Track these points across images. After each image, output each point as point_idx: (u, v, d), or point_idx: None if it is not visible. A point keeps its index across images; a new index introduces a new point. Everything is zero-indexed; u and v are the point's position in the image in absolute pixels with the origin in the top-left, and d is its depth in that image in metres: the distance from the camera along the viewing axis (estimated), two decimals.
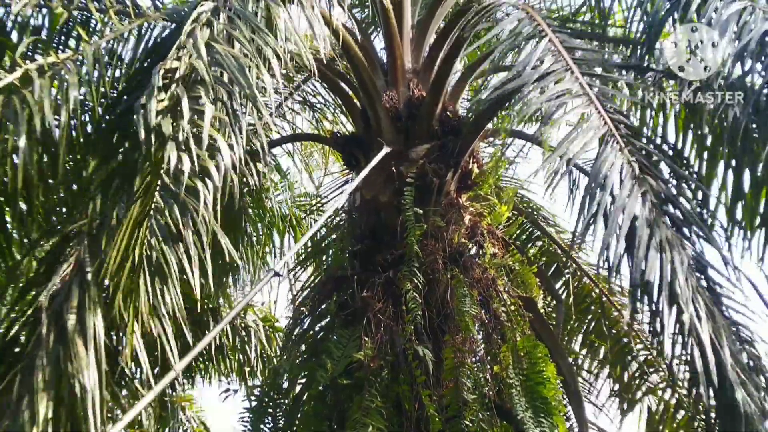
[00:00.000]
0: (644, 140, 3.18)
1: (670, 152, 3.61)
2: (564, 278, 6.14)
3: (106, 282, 2.75)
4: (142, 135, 2.39)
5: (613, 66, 4.11)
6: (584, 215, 2.87)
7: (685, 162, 3.64)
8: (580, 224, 2.88)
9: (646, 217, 2.73)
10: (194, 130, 2.58)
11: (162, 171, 2.54)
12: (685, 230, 2.88)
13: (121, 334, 3.25)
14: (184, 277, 2.96)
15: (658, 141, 3.95)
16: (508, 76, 3.41)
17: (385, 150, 4.37)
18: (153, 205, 2.72)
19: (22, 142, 2.83)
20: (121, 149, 2.89)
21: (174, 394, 6.70)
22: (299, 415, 4.37)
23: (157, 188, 2.69)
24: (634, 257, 2.68)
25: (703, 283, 2.88)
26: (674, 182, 3.12)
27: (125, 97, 3.17)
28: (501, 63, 3.82)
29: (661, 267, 2.61)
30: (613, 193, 2.83)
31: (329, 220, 6.38)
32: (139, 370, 5.14)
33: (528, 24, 3.68)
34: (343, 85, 5.33)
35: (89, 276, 2.81)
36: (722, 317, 2.84)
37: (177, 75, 2.63)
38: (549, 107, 3.11)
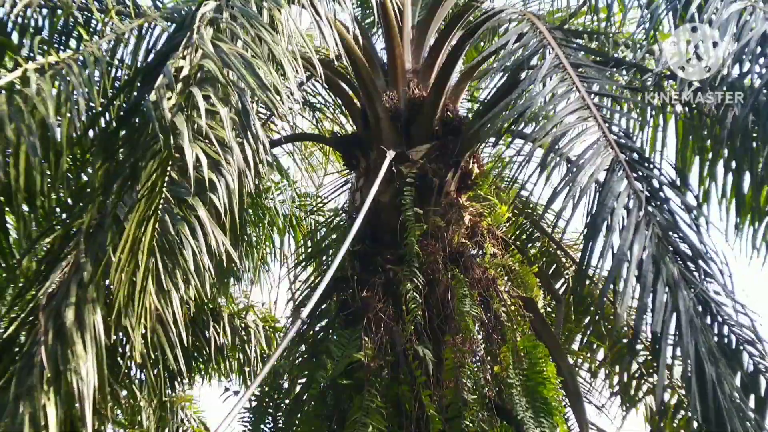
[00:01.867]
0: (647, 163, 3.18)
1: (672, 172, 3.62)
2: (564, 278, 6.14)
3: (107, 281, 2.75)
4: (159, 134, 2.38)
5: (615, 72, 4.12)
6: (590, 247, 2.90)
7: (686, 183, 3.64)
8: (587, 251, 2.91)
9: (652, 254, 2.75)
10: (204, 129, 2.57)
11: (169, 169, 2.54)
12: (690, 264, 2.90)
13: (121, 334, 3.25)
14: (185, 276, 2.96)
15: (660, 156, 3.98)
16: (514, 96, 3.43)
17: (390, 155, 4.36)
18: (159, 203, 2.72)
19: (24, 141, 2.84)
20: (125, 147, 2.89)
21: (174, 394, 6.69)
22: (299, 416, 4.36)
23: (165, 186, 2.69)
24: (640, 300, 2.70)
25: (706, 311, 2.90)
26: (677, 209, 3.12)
27: (127, 96, 3.17)
28: (504, 65, 3.83)
29: (665, 311, 2.64)
30: (620, 224, 2.85)
31: (330, 220, 6.38)
32: (138, 370, 5.15)
33: (533, 37, 3.68)
34: (343, 85, 5.33)
35: (88, 274, 2.81)
36: (725, 356, 2.86)
37: (183, 74, 2.63)
38: (556, 133, 3.14)
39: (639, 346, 5.69)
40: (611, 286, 2.87)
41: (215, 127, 2.63)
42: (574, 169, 3.03)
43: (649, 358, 5.62)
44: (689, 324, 2.63)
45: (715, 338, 2.89)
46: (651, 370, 5.63)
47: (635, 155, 3.16)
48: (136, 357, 2.85)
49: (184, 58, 2.65)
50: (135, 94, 3.12)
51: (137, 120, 2.83)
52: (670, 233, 2.91)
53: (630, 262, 2.73)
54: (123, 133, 2.93)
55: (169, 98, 2.48)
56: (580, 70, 3.49)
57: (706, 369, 2.56)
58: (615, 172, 3.00)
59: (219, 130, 2.66)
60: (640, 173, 3.06)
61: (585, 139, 3.18)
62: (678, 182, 3.25)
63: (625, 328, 5.59)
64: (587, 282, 5.92)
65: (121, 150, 2.90)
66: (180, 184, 2.72)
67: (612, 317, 5.76)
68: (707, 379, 2.55)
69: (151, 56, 3.56)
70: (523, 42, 3.72)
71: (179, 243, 2.85)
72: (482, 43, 6.17)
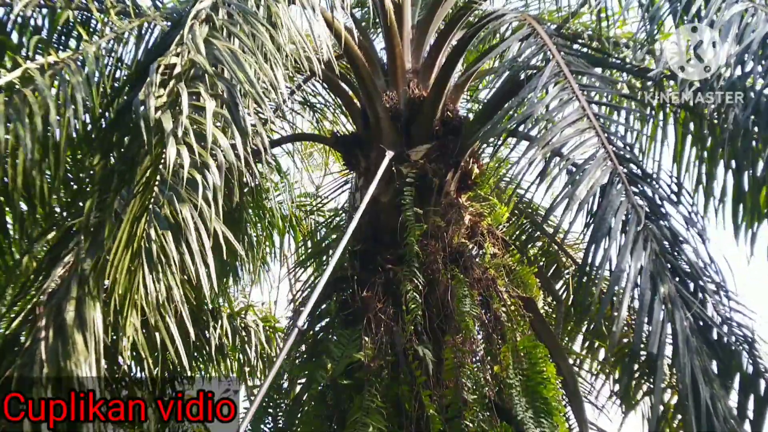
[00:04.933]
0: (647, 176, 3.17)
1: (672, 180, 3.61)
2: (564, 278, 6.13)
3: (107, 281, 2.75)
4: (143, 132, 2.39)
5: (615, 74, 4.11)
6: (589, 260, 2.90)
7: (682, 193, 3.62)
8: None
9: (649, 271, 2.74)
10: (194, 126, 2.57)
11: (161, 166, 2.54)
12: (688, 280, 2.88)
13: (121, 334, 3.25)
14: (185, 276, 2.96)
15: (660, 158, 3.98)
16: (513, 104, 3.44)
17: (389, 155, 4.36)
18: (152, 200, 2.72)
19: (25, 141, 2.84)
20: (121, 145, 2.89)
21: (174, 394, 6.69)
22: (299, 416, 4.36)
23: (156, 183, 2.70)
24: (638, 319, 2.70)
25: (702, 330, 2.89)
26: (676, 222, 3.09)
27: (125, 95, 3.17)
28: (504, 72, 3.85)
29: (661, 331, 2.63)
30: (618, 240, 2.84)
31: (330, 220, 6.38)
32: (139, 370, 5.15)
33: (534, 44, 3.68)
34: (343, 85, 5.33)
35: (87, 272, 2.81)
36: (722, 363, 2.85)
37: (175, 71, 2.63)
38: (555, 145, 3.13)
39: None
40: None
41: (205, 123, 2.62)
42: (573, 183, 3.02)
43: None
44: (685, 344, 2.62)
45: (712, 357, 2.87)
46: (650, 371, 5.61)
47: (635, 167, 3.15)
48: (124, 355, 2.85)
49: (177, 55, 2.65)
50: (128, 91, 3.12)
51: (129, 118, 2.83)
52: (669, 249, 2.89)
53: (627, 280, 2.73)
54: (118, 131, 2.93)
55: (158, 96, 2.48)
56: (580, 77, 3.48)
57: (701, 391, 2.56)
58: (614, 186, 2.99)
59: (208, 127, 2.65)
60: (640, 187, 3.05)
61: (585, 151, 3.16)
62: (678, 193, 3.23)
63: (625, 328, 5.59)
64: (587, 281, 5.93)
65: (120, 146, 2.90)
66: (166, 182, 2.72)
67: (611, 317, 5.75)
68: (702, 401, 2.54)
69: (147, 55, 3.56)
70: (523, 48, 3.72)
71: (168, 243, 2.85)
72: (482, 45, 6.16)
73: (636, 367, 5.59)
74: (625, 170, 3.07)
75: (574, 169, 3.17)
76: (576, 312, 5.74)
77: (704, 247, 3.00)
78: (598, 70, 3.94)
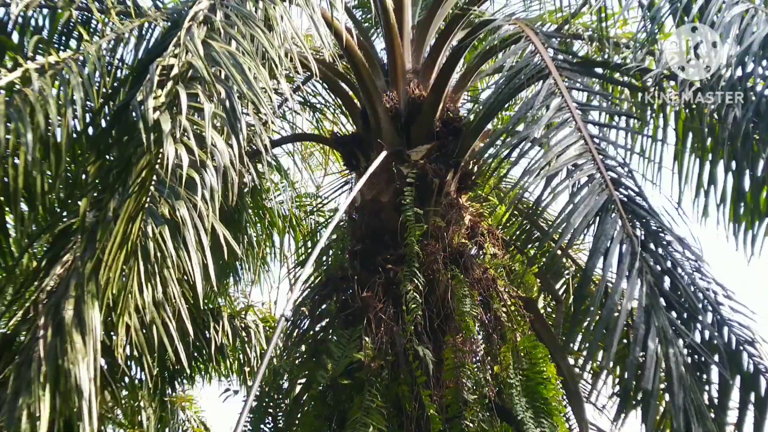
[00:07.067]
0: (644, 200, 3.15)
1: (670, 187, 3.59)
2: (564, 278, 6.12)
3: (103, 278, 2.75)
4: (142, 133, 2.39)
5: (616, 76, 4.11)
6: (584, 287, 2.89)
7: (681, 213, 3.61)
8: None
9: (644, 306, 2.73)
10: (192, 127, 2.57)
11: (158, 166, 2.55)
12: (684, 313, 2.87)
13: (119, 333, 3.25)
14: (185, 276, 2.96)
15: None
16: (511, 123, 3.43)
17: (384, 153, 4.37)
18: (147, 200, 2.73)
19: (27, 139, 2.84)
20: (118, 145, 2.89)
21: (174, 394, 6.70)
22: (299, 416, 4.36)
23: (153, 183, 2.70)
24: (631, 353, 2.69)
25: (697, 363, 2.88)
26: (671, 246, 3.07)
27: (123, 95, 3.18)
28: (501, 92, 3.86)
29: (655, 367, 2.62)
30: (613, 271, 2.83)
31: (329, 220, 6.38)
32: (139, 370, 5.15)
33: (530, 61, 3.68)
34: (343, 85, 5.33)
35: (86, 270, 2.81)
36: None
37: (173, 72, 2.63)
38: (549, 173, 3.12)
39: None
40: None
41: (204, 125, 2.63)
42: (567, 211, 3.00)
43: None
44: (679, 380, 2.61)
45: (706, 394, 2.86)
46: None
47: (632, 192, 3.12)
48: (120, 355, 2.85)
49: (175, 56, 2.66)
50: (127, 91, 3.13)
51: (127, 118, 2.83)
52: (664, 277, 2.87)
53: (620, 313, 2.72)
54: (115, 131, 2.94)
55: (156, 97, 2.48)
56: (579, 104, 3.48)
57: (693, 428, 2.55)
58: (609, 213, 2.96)
59: (207, 129, 2.66)
60: (636, 214, 3.02)
61: (582, 176, 3.14)
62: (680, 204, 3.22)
63: (626, 328, 5.57)
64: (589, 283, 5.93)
65: (117, 145, 2.91)
66: (163, 182, 2.73)
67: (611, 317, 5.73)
68: None
69: (147, 55, 3.57)
70: (518, 66, 3.73)
71: (164, 242, 2.85)
72: (483, 47, 6.17)
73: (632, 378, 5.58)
74: (622, 196, 3.04)
75: (578, 183, 3.14)
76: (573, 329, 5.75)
77: (704, 270, 2.99)
78: (598, 74, 3.94)
